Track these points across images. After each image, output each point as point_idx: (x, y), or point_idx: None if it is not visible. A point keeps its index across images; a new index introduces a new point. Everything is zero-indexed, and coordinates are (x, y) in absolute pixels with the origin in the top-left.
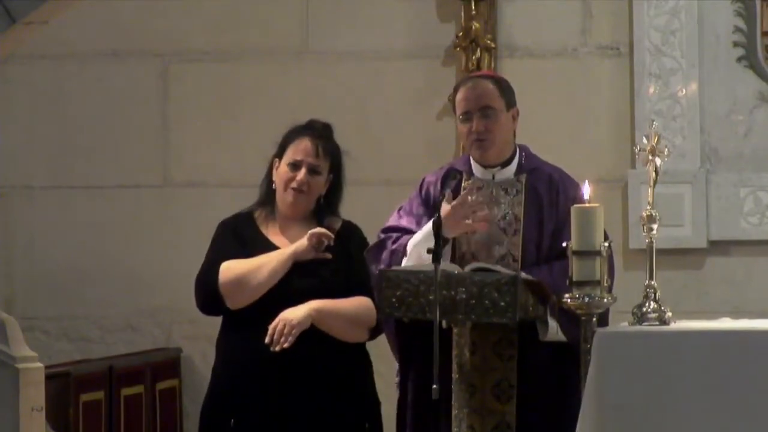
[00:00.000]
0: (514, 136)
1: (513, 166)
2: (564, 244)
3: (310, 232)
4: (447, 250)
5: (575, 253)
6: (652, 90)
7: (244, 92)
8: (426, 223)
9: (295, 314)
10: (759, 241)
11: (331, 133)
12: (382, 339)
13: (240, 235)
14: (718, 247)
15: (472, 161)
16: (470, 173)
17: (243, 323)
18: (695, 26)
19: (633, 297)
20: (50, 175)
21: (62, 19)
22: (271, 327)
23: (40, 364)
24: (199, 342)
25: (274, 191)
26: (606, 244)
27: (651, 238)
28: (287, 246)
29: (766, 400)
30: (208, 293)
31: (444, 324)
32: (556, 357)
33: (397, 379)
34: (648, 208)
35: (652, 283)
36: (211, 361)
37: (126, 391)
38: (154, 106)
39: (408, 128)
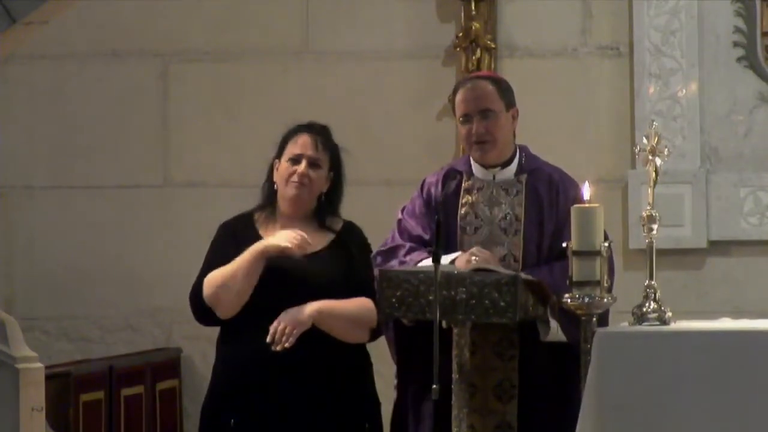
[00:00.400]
0: (514, 136)
1: (513, 166)
2: (564, 245)
3: (296, 232)
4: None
5: (575, 253)
6: (652, 90)
7: (244, 92)
8: (429, 230)
9: (296, 314)
10: (759, 241)
11: (330, 134)
12: (382, 339)
13: (238, 237)
14: (718, 247)
15: (472, 162)
16: (470, 174)
17: (243, 323)
18: (695, 26)
19: (633, 297)
20: (50, 175)
21: (62, 19)
22: (272, 327)
23: (40, 364)
24: (199, 342)
25: (275, 192)
26: (606, 244)
27: (651, 238)
28: None
29: (766, 400)
30: (198, 307)
31: (444, 324)
32: (557, 357)
33: (395, 382)
34: (648, 208)
35: (652, 283)
36: (211, 361)
37: (126, 391)
38: (154, 106)
39: (408, 128)
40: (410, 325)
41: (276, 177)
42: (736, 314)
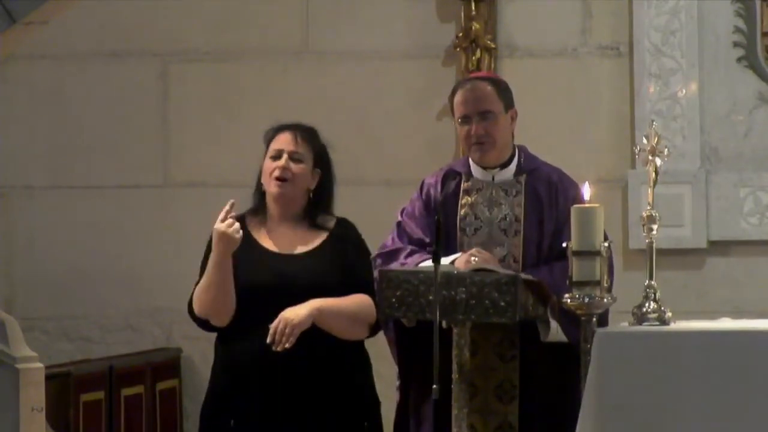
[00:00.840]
0: (513, 136)
1: (512, 167)
2: (564, 245)
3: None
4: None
5: (575, 253)
6: (652, 90)
7: (244, 92)
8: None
9: (296, 314)
10: (759, 241)
11: (315, 133)
12: (382, 339)
13: None
14: (718, 247)
15: (471, 163)
16: (469, 175)
17: (241, 324)
18: (695, 26)
19: (633, 297)
20: (50, 175)
21: (62, 19)
22: (272, 327)
23: (40, 364)
24: (199, 342)
25: (264, 195)
26: (606, 244)
27: (651, 238)
28: (275, 248)
29: (766, 400)
30: (195, 318)
31: (444, 324)
32: (557, 357)
33: (397, 383)
34: (648, 208)
35: (652, 283)
36: (211, 361)
37: (126, 391)
38: (154, 106)
39: (408, 128)
40: (410, 326)
41: (263, 179)
42: (736, 314)
